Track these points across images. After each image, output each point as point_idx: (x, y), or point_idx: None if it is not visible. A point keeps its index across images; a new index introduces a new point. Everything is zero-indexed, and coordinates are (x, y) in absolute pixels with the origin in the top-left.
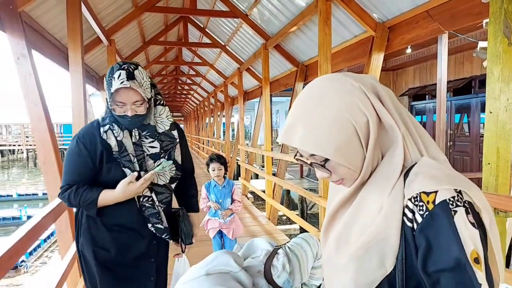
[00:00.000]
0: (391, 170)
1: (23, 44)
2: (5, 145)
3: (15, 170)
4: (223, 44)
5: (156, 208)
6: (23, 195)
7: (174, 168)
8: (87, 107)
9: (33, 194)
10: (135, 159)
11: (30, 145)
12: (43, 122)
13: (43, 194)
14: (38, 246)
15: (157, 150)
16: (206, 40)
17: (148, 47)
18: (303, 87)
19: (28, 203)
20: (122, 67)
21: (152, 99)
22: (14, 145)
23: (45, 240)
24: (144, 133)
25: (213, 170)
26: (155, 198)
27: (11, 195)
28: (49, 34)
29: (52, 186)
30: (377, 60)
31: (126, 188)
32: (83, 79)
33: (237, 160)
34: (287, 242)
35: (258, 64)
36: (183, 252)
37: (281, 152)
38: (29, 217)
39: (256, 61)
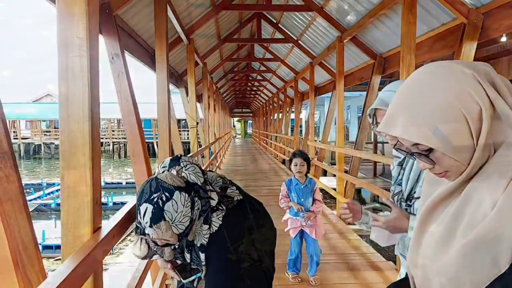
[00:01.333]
0: (507, 164)
1: (117, 45)
2: None
3: (102, 161)
4: (295, 38)
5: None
6: (109, 183)
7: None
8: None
9: (118, 183)
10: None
11: (116, 138)
12: (133, 116)
13: (126, 183)
14: None
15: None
16: (278, 35)
17: (223, 44)
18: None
19: (114, 191)
20: (151, 198)
21: (195, 218)
22: (102, 138)
23: None
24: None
25: (295, 165)
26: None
27: None
28: (137, 35)
29: (139, 175)
30: (469, 50)
31: (162, 268)
32: (167, 77)
33: None
34: None
35: (331, 58)
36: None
37: (354, 149)
38: (114, 204)
39: (330, 55)
